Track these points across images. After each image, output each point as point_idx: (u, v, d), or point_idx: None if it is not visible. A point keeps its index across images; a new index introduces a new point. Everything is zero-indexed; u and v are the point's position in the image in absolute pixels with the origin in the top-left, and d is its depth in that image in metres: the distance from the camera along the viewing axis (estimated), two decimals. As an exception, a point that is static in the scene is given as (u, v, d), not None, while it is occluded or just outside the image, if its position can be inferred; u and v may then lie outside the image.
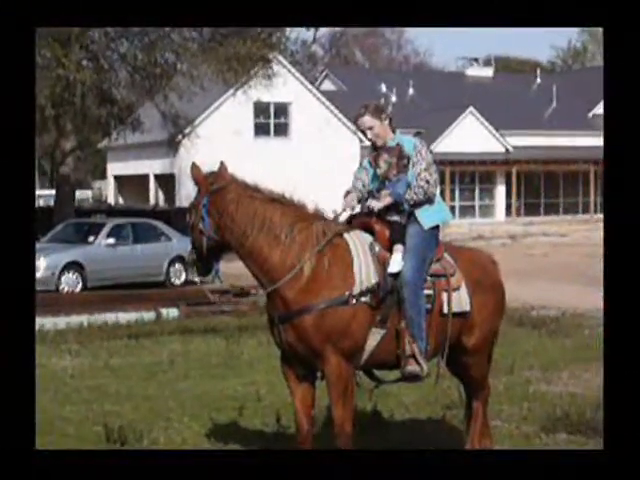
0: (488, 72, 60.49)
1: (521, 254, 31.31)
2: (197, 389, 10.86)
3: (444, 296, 6.99)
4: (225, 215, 6.72)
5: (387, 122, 7.04)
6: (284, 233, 6.69)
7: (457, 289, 7.06)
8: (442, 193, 46.41)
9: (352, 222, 7.02)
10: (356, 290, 6.64)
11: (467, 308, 7.14)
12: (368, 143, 7.29)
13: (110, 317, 16.67)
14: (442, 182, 47.63)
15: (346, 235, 6.84)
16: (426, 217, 6.95)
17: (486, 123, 49.74)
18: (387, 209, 6.92)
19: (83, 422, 9.34)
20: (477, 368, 7.51)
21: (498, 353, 8.47)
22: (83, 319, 16.44)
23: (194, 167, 6.91)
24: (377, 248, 6.82)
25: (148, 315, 17.14)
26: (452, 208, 48.03)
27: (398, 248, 6.78)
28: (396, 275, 6.75)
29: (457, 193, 50.36)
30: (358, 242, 6.82)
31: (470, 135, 48.84)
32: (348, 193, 7.06)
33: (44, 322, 15.76)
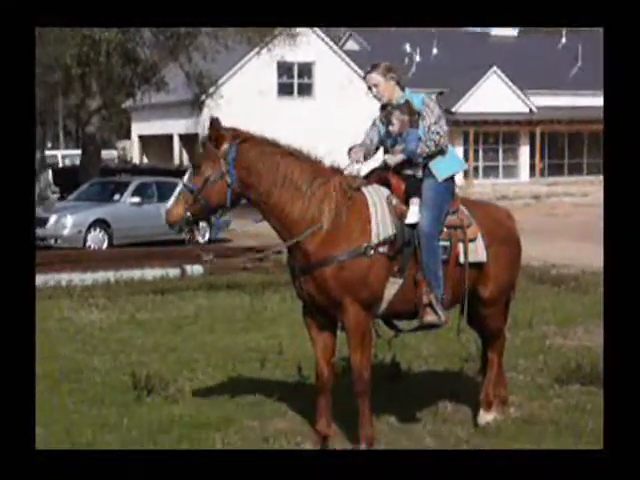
0: (513, 32, 60.03)
1: (544, 214, 31.35)
2: (221, 342, 11.10)
3: (460, 247, 7.18)
4: (252, 170, 6.82)
5: (393, 82, 7.18)
6: (304, 187, 6.85)
7: (473, 240, 7.25)
8: (466, 153, 46.45)
9: (369, 177, 7.19)
10: (374, 241, 6.83)
11: (483, 259, 7.33)
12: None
13: (136, 273, 16.90)
14: (466, 142, 47.64)
15: (364, 189, 7.01)
16: (440, 169, 7.13)
17: (510, 83, 49.45)
18: (402, 164, 7.10)
19: (110, 371, 9.63)
20: (493, 319, 7.72)
21: (517, 309, 8.63)
22: (109, 275, 16.67)
23: (215, 120, 6.89)
24: (394, 201, 7.00)
25: (173, 272, 17.39)
26: (475, 168, 48.06)
27: (414, 201, 6.97)
28: (413, 226, 6.95)
29: (480, 153, 50.18)
30: (375, 195, 7.00)
31: (494, 95, 48.58)
32: (352, 148, 7.19)
33: (72, 277, 16.10)
